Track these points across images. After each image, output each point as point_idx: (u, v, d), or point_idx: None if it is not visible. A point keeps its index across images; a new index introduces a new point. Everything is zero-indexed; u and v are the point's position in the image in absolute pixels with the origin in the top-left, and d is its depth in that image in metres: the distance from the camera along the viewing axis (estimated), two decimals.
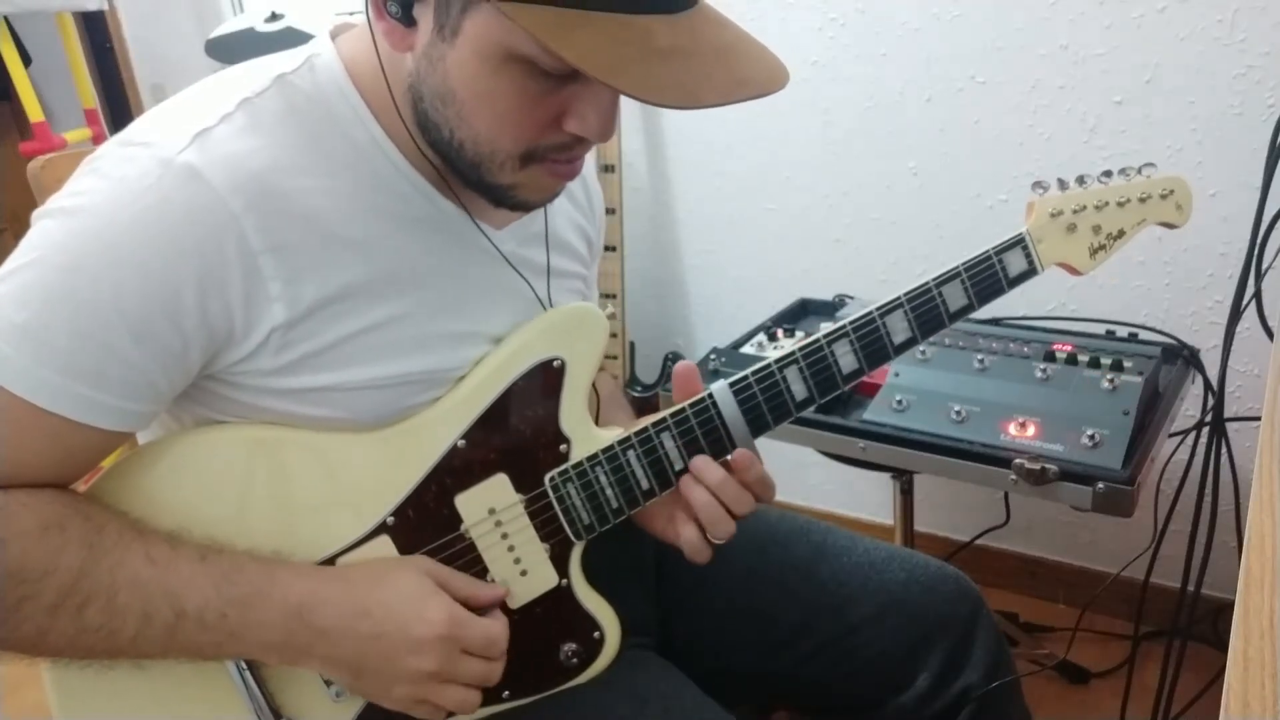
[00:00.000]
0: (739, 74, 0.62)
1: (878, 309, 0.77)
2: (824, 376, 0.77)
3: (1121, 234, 0.80)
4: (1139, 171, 0.81)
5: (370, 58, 0.71)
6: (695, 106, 0.59)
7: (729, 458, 0.76)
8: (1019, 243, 0.78)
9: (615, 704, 0.79)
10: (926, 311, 0.77)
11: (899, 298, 0.77)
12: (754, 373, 0.76)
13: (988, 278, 0.78)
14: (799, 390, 0.77)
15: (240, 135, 0.66)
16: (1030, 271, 0.79)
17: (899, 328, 0.77)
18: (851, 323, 0.77)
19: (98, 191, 0.64)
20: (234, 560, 0.69)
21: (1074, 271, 0.80)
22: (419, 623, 0.70)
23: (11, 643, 0.64)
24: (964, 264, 0.77)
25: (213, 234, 0.64)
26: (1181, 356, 1.28)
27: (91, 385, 0.64)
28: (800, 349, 0.77)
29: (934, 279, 0.77)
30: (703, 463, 0.75)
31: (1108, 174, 0.80)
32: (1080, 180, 0.80)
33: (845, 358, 0.77)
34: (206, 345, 0.66)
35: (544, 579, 0.77)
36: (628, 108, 1.91)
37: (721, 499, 0.75)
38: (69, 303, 0.62)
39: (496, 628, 0.73)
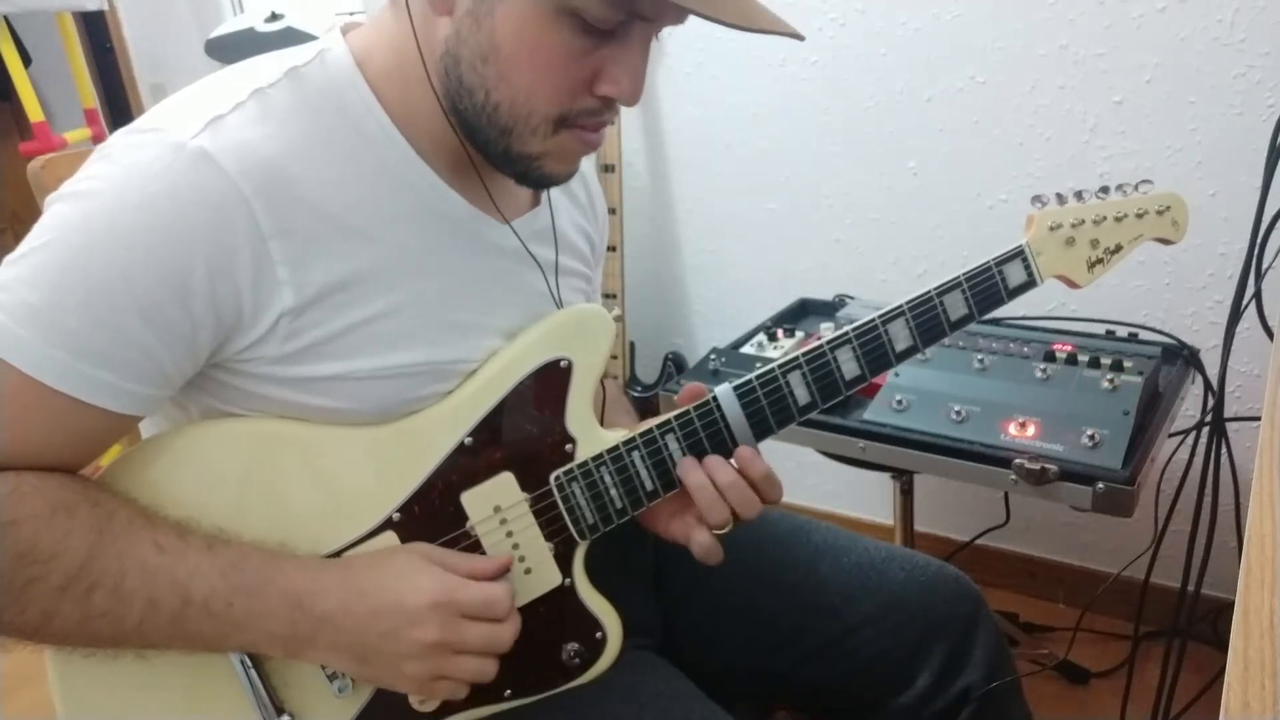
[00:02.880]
0: (772, 16, 0.69)
1: (880, 316, 0.77)
2: (827, 382, 0.77)
3: (1119, 249, 0.81)
4: (1136, 188, 0.82)
5: (382, 52, 0.72)
6: (753, 29, 0.66)
7: (732, 458, 0.76)
8: (1019, 255, 0.79)
9: (615, 704, 0.79)
10: (928, 320, 0.78)
11: (900, 306, 0.77)
12: (758, 376, 0.77)
13: (988, 288, 0.78)
14: (802, 395, 0.77)
15: (252, 123, 0.67)
16: (1030, 283, 0.80)
17: (900, 336, 0.78)
18: (854, 329, 0.77)
19: (110, 176, 0.65)
20: (240, 551, 0.69)
21: (1072, 284, 0.82)
22: (411, 592, 0.69)
23: (17, 626, 0.64)
24: (965, 274, 0.78)
25: (223, 216, 0.64)
26: (1181, 356, 1.28)
27: (99, 366, 0.64)
28: (804, 354, 0.77)
29: (935, 288, 0.78)
30: (716, 463, 0.76)
31: (1105, 189, 0.81)
32: (1079, 195, 0.81)
33: (848, 364, 0.77)
34: (215, 328, 0.67)
35: (547, 578, 0.78)
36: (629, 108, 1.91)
37: (729, 500, 0.75)
38: (80, 284, 0.63)
39: (495, 589, 0.72)
